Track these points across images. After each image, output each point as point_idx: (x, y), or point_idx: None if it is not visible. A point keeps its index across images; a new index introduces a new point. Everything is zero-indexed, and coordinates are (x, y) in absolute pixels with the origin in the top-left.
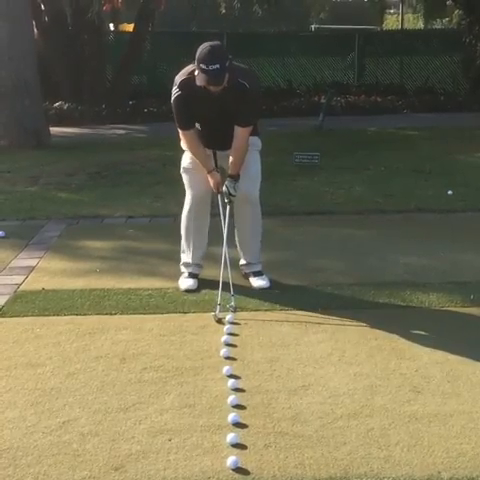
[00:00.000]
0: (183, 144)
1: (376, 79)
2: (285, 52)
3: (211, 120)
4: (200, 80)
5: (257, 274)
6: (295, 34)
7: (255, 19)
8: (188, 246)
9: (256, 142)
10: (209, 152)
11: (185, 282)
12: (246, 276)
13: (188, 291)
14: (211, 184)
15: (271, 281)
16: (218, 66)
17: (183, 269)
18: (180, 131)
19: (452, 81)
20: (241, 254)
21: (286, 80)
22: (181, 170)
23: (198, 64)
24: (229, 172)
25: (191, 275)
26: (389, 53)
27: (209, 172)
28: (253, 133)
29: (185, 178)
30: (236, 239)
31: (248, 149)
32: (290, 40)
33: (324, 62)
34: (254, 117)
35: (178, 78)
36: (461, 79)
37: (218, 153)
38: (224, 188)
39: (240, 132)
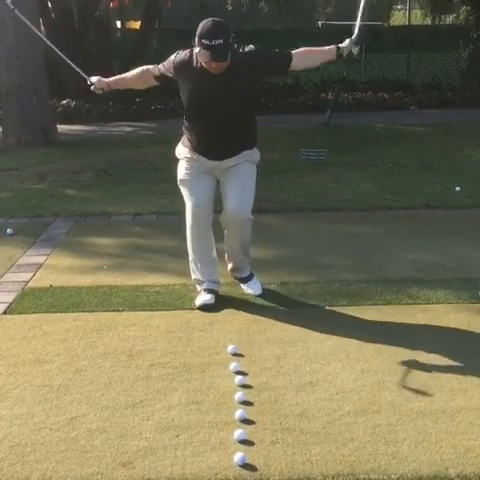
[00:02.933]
0: (178, 151)
1: (383, 75)
2: (292, 48)
3: (214, 112)
4: (202, 57)
5: (247, 279)
6: (302, 30)
7: (262, 16)
8: (196, 264)
9: (253, 154)
10: (203, 160)
11: (200, 298)
12: (237, 280)
13: (204, 307)
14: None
15: (263, 286)
16: (222, 41)
17: (197, 287)
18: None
19: (460, 77)
20: (229, 261)
21: (293, 77)
22: (178, 182)
23: (200, 40)
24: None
25: (207, 291)
26: (396, 49)
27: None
28: (250, 144)
29: (183, 190)
30: (225, 248)
31: (245, 164)
32: (297, 36)
33: None
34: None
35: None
36: (469, 75)
37: (217, 164)
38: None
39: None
